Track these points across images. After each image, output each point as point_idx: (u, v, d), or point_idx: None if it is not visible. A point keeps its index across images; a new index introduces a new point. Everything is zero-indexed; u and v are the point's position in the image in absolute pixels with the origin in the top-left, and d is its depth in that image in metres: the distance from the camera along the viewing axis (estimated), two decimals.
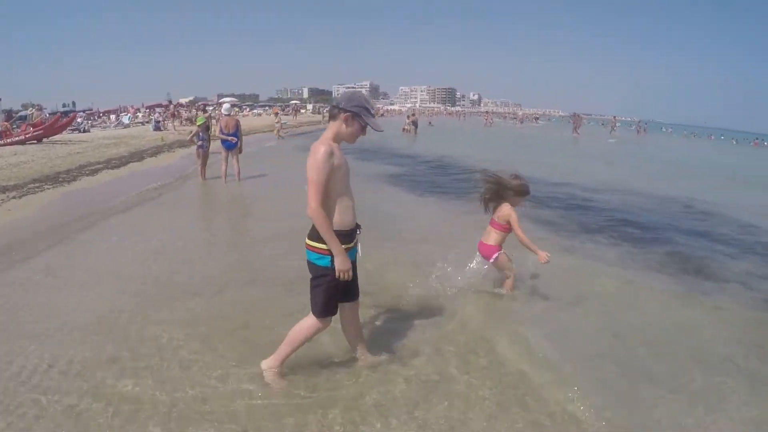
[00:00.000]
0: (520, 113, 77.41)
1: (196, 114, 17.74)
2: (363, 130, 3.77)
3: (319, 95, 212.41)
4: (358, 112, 3.66)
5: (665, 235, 9.01)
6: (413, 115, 43.44)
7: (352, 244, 3.78)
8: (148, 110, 50.78)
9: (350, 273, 3.68)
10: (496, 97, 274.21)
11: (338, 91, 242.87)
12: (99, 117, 44.56)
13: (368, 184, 12.51)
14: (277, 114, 36.34)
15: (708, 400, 3.75)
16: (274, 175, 14.03)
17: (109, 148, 18.42)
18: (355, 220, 3.82)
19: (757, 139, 65.63)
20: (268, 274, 5.94)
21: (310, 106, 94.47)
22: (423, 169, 16.68)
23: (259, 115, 62.49)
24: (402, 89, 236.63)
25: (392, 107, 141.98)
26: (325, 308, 3.79)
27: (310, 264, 3.74)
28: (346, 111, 3.65)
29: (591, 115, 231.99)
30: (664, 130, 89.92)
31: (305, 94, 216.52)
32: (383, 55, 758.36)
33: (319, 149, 3.54)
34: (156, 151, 18.67)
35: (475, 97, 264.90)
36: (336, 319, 3.88)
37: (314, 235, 3.64)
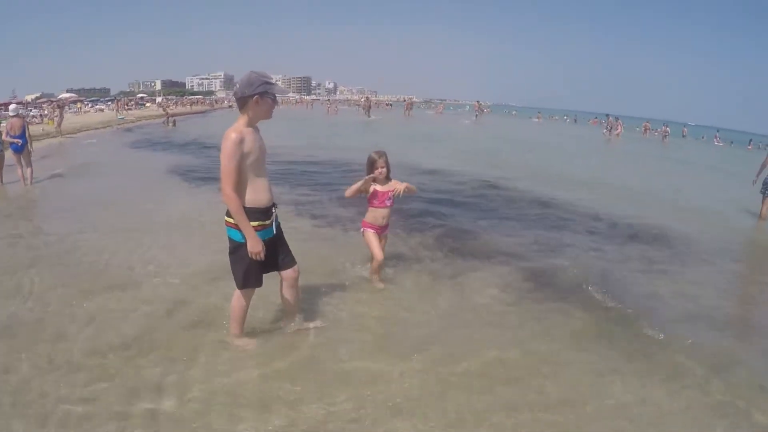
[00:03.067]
0: (362, 100, 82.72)
1: None
2: (274, 100, 4.02)
3: (173, 87, 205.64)
4: (263, 90, 3.92)
5: None
6: None
7: (269, 221, 4.08)
8: None
9: (262, 254, 3.97)
10: (352, 85, 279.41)
11: (192, 82, 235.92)
12: None
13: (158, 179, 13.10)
14: (55, 107, 32.98)
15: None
16: (71, 174, 13.89)
17: None
18: (272, 199, 4.13)
19: (596, 117, 71.56)
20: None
21: (159, 98, 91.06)
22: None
23: (101, 110, 58.78)
24: None
25: None
26: (244, 280, 4.12)
27: (229, 239, 4.06)
28: (253, 95, 3.89)
29: (445, 100, 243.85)
30: (507, 112, 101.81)
31: (158, 87, 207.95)
32: (237, 45, 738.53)
33: (230, 137, 3.80)
34: None
35: (331, 86, 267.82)
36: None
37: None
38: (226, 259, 4.18)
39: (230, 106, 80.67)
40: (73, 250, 6.98)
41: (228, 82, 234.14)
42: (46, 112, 31.62)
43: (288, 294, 4.46)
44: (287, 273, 4.34)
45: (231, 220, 3.95)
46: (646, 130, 54.12)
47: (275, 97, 4.03)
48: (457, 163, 17.42)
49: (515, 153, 23.08)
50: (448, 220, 9.39)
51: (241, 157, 3.82)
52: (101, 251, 6.83)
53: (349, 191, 5.60)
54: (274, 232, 4.15)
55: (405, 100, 78.11)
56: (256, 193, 3.97)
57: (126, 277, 5.86)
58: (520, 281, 6.37)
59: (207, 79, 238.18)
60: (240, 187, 3.88)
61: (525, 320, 5.27)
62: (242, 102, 3.94)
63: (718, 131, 57.88)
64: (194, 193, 11.48)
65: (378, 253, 5.67)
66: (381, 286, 5.81)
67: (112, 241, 7.31)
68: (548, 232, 9.01)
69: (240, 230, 3.92)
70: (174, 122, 35.77)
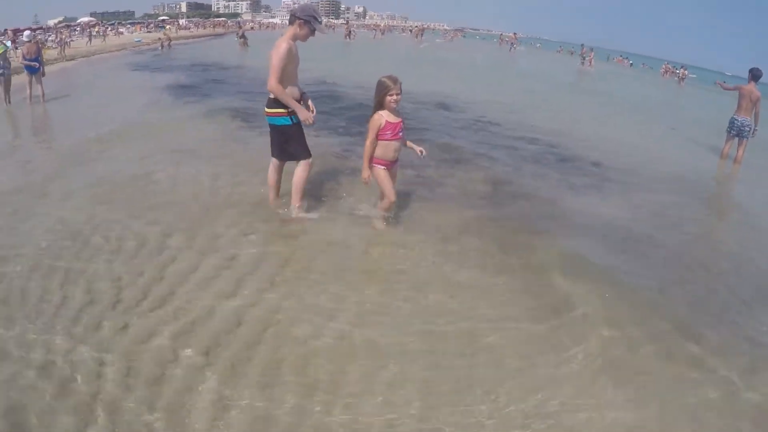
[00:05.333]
0: (382, 24, 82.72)
1: None
2: (312, 32, 5.11)
3: (198, 9, 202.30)
4: (308, 20, 5.03)
5: None
6: (240, 28, 47.58)
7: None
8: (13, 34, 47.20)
9: (311, 118, 5.14)
10: (382, 10, 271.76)
11: (218, 4, 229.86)
12: None
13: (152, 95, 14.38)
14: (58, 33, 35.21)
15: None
16: (76, 95, 15.50)
17: None
18: (299, 95, 5.22)
19: (620, 56, 72.68)
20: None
21: (183, 21, 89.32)
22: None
23: (121, 33, 56.54)
24: (285, 2, 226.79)
25: (273, 20, 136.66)
26: (306, 149, 5.32)
27: (275, 126, 5.20)
28: (300, 18, 5.00)
29: (479, 29, 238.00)
30: (531, 44, 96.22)
31: (183, 9, 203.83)
32: None
33: (282, 45, 4.91)
34: None
35: (360, 10, 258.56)
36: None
37: (271, 104, 5.10)
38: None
39: (251, 28, 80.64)
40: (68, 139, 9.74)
41: (255, 4, 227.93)
42: (58, 38, 31.90)
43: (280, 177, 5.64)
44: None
45: (271, 110, 5.13)
46: (666, 72, 54.69)
47: (314, 30, 5.10)
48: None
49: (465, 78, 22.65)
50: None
51: (287, 61, 4.92)
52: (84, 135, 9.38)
53: (367, 156, 5.14)
54: (296, 120, 5.19)
55: (415, 27, 77.77)
56: (290, 90, 5.07)
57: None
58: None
59: (234, 1, 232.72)
60: (282, 82, 4.95)
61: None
62: (292, 19, 5.05)
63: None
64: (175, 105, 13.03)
65: (391, 192, 5.27)
66: (383, 226, 5.49)
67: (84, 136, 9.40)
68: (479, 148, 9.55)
69: (282, 116, 5.11)
70: (169, 45, 36.33)
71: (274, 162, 5.49)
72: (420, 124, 10.92)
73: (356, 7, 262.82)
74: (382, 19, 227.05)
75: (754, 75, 11.41)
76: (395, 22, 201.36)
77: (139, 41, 42.67)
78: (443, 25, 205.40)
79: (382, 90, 4.98)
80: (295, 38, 5.05)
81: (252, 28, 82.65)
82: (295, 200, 5.39)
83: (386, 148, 5.14)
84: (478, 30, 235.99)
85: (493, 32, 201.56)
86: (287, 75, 4.98)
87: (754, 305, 4.78)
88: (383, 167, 5.21)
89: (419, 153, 5.36)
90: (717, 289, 5.12)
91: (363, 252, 5.14)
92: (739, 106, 11.44)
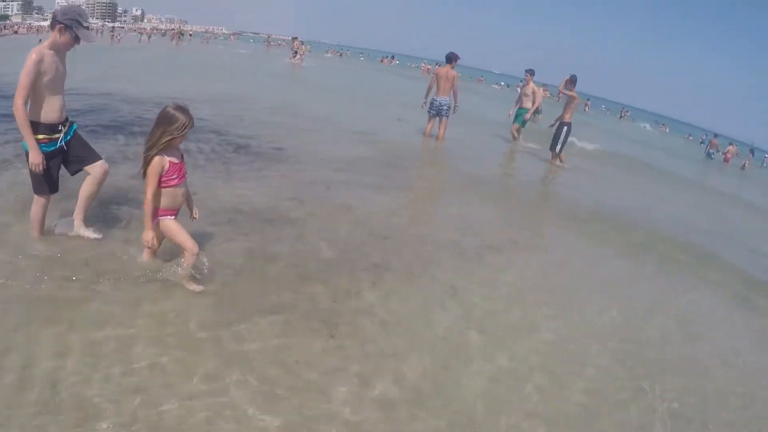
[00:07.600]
0: (148, 29, 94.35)
1: None
2: (76, 39, 4.31)
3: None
4: (69, 24, 4.20)
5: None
6: None
7: (56, 136, 4.38)
8: None
9: (41, 166, 4.25)
10: (161, 13, 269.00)
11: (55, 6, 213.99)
12: None
13: None
14: None
15: None
16: None
17: None
18: (62, 117, 4.41)
19: (386, 57, 74.97)
20: None
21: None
22: None
23: None
24: (59, 2, 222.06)
25: (45, 23, 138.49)
26: (39, 187, 4.46)
27: (25, 152, 4.31)
28: (60, 23, 4.16)
29: (259, 34, 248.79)
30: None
31: (14, 10, 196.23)
32: None
33: (30, 56, 4.08)
34: None
35: (138, 13, 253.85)
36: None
37: None
38: None
39: (16, 32, 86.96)
40: None
41: (26, 5, 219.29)
42: None
43: (90, 190, 4.70)
44: (95, 167, 4.65)
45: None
46: (424, 70, 55.94)
47: (77, 36, 4.27)
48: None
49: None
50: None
51: (37, 75, 4.10)
52: None
53: (149, 207, 3.96)
54: (61, 146, 4.45)
55: (173, 29, 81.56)
56: (47, 111, 4.27)
57: None
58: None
59: (4, 2, 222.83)
60: (33, 102, 4.20)
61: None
62: (53, 23, 4.20)
63: (588, 99, 55.93)
64: None
65: (191, 242, 4.14)
66: (198, 288, 4.25)
67: None
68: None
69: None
70: None
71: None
72: (119, 117, 10.37)
73: (134, 9, 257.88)
74: (161, 22, 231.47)
75: (448, 58, 12.19)
76: (174, 26, 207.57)
77: None
78: (221, 29, 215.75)
79: (176, 128, 3.86)
80: (54, 46, 4.23)
81: (16, 31, 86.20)
82: (32, 230, 4.68)
83: (173, 196, 4.10)
84: (258, 34, 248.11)
85: (273, 36, 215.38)
86: (44, 92, 4.19)
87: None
88: (172, 217, 4.15)
89: (191, 215, 4.44)
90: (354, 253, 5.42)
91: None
92: (438, 87, 12.21)
